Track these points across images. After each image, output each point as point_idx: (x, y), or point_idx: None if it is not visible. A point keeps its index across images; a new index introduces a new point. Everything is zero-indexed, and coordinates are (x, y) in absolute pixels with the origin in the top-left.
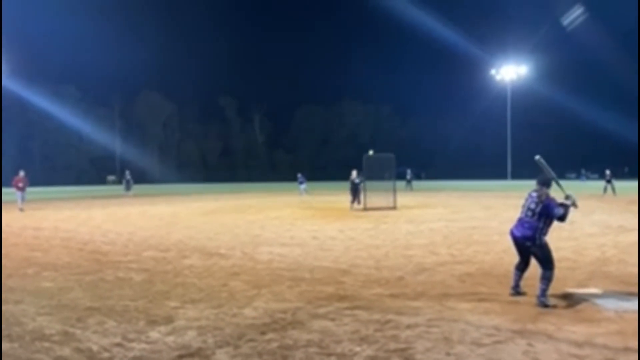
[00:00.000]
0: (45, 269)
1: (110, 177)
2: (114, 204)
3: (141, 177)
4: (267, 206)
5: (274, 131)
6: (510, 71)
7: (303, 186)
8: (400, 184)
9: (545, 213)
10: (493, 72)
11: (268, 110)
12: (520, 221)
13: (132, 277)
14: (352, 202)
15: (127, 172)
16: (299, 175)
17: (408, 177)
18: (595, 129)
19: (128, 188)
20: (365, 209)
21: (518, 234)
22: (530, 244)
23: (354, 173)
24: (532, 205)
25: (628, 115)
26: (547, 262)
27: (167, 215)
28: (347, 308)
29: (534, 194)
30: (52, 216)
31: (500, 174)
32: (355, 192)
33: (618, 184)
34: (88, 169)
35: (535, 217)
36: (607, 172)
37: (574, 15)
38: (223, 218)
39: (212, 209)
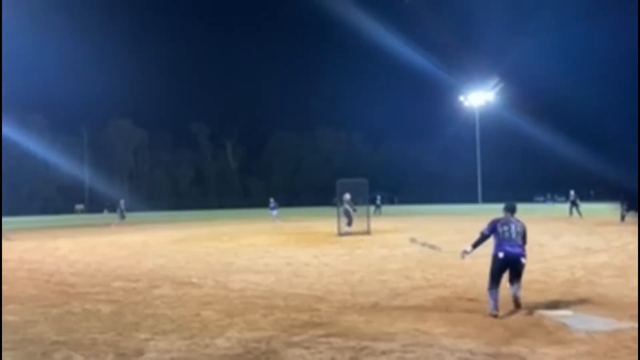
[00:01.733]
0: (9, 302)
1: (79, 206)
2: (82, 233)
3: (112, 206)
4: (240, 233)
5: (247, 157)
6: (478, 97)
7: (275, 212)
8: (384, 209)
9: (525, 235)
10: (462, 98)
11: (241, 137)
12: (510, 242)
13: (100, 309)
14: (348, 225)
15: (122, 202)
16: (271, 200)
17: (377, 202)
18: (560, 154)
19: (123, 217)
20: (340, 234)
21: (516, 251)
22: (524, 260)
23: (348, 196)
24: (519, 229)
25: (590, 143)
26: (521, 276)
27: (138, 244)
28: (322, 335)
29: (514, 221)
30: (17, 247)
31: (471, 198)
32: (349, 215)
33: (585, 206)
34: (55, 198)
35: (521, 239)
36: (572, 192)
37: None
38: (195, 246)
39: (183, 237)
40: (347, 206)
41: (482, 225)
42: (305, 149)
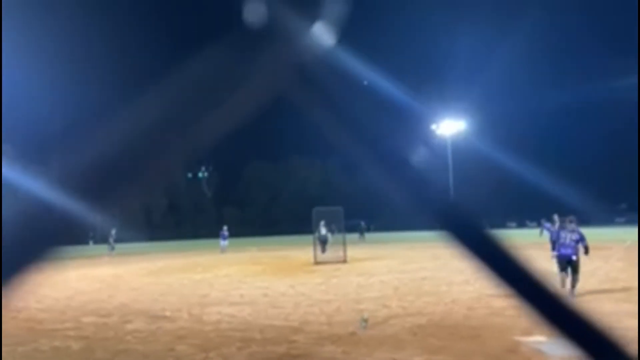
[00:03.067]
0: None
1: None
2: (50, 266)
3: (81, 238)
4: (215, 264)
5: (222, 186)
6: (450, 126)
7: (224, 242)
8: (353, 236)
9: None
10: (434, 126)
11: (216, 166)
12: (564, 245)
13: (70, 346)
14: (322, 252)
15: (113, 232)
16: (224, 228)
17: (362, 227)
18: (531, 181)
19: (112, 248)
20: (316, 262)
21: (568, 252)
22: (574, 257)
23: (322, 223)
24: (574, 237)
25: (560, 170)
26: (578, 270)
27: (109, 277)
28: None
29: (570, 230)
30: None
31: None
32: (324, 242)
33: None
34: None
35: (574, 242)
36: (555, 217)
37: None
38: (169, 278)
39: (157, 269)
40: (322, 232)
41: (458, 251)
42: (280, 178)
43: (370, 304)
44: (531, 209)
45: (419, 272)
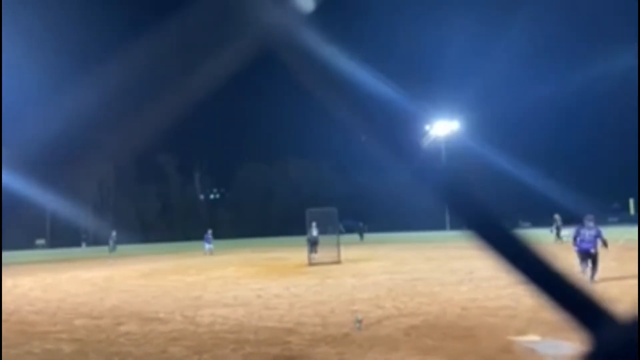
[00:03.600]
0: None
1: (39, 241)
2: (43, 269)
3: (74, 240)
4: (208, 266)
5: (216, 188)
6: (444, 126)
7: (208, 246)
8: (349, 237)
9: (598, 234)
10: (428, 127)
11: (209, 168)
12: (584, 240)
13: (61, 349)
14: (313, 252)
15: (114, 233)
16: (209, 232)
17: (361, 227)
18: (524, 181)
19: (113, 249)
20: (310, 264)
21: (586, 246)
22: (593, 250)
23: (314, 225)
24: (592, 232)
25: (552, 170)
26: (597, 262)
27: (101, 280)
28: None
29: (590, 227)
30: None
31: (438, 225)
32: (314, 244)
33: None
34: (13, 233)
35: (593, 237)
36: (556, 216)
37: None
38: (161, 280)
39: (149, 271)
40: (314, 233)
41: (451, 252)
42: (274, 180)
43: (364, 305)
44: (524, 209)
45: (413, 273)
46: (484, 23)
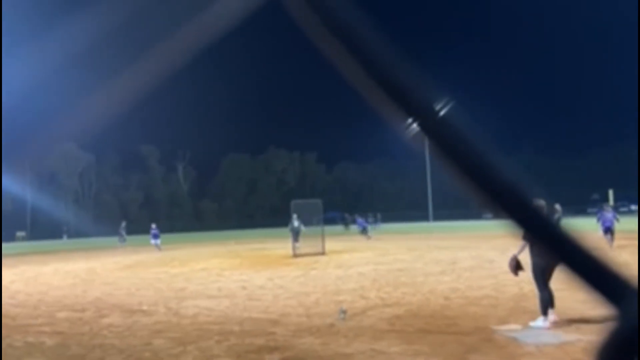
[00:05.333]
0: None
1: (20, 234)
2: (23, 262)
3: (55, 232)
4: (192, 257)
5: (199, 180)
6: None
7: (154, 241)
8: (334, 228)
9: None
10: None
11: (192, 159)
12: (605, 220)
13: (44, 342)
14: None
15: (123, 224)
16: (153, 226)
17: (346, 219)
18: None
19: (124, 240)
20: (295, 255)
21: (607, 224)
22: (612, 225)
23: (295, 216)
24: (609, 215)
25: (533, 159)
26: (614, 232)
27: (83, 272)
28: None
29: (606, 211)
30: None
31: (422, 216)
32: (297, 234)
33: None
34: None
35: (611, 216)
36: (557, 206)
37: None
38: (145, 272)
39: (132, 263)
40: (295, 224)
41: (434, 243)
42: (258, 171)
43: (349, 296)
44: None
45: (396, 264)
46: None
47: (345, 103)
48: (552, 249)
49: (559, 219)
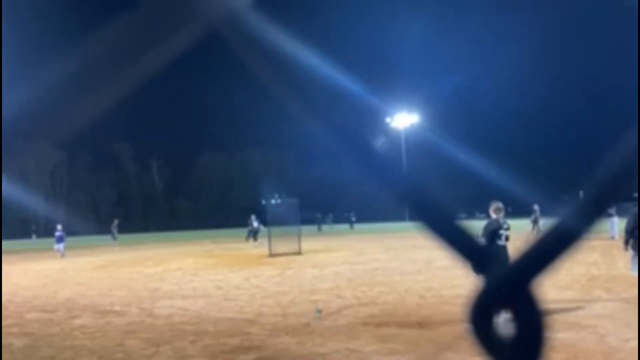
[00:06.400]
0: None
1: None
2: None
3: (22, 232)
4: (167, 257)
5: (174, 178)
6: (404, 119)
7: (58, 245)
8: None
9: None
10: (388, 119)
11: (167, 157)
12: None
13: (12, 343)
14: (254, 240)
15: (116, 222)
16: (59, 228)
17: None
18: (481, 173)
19: (115, 238)
20: (271, 255)
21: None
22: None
23: (253, 217)
24: (612, 211)
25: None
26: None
27: (54, 272)
28: None
29: (609, 214)
30: None
31: (398, 217)
32: (255, 233)
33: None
34: None
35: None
36: (536, 207)
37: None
38: (118, 272)
39: (105, 263)
40: (254, 225)
41: (410, 242)
42: (234, 169)
43: (325, 295)
44: (480, 201)
45: (372, 263)
46: (442, 17)
47: (322, 103)
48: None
49: (536, 219)
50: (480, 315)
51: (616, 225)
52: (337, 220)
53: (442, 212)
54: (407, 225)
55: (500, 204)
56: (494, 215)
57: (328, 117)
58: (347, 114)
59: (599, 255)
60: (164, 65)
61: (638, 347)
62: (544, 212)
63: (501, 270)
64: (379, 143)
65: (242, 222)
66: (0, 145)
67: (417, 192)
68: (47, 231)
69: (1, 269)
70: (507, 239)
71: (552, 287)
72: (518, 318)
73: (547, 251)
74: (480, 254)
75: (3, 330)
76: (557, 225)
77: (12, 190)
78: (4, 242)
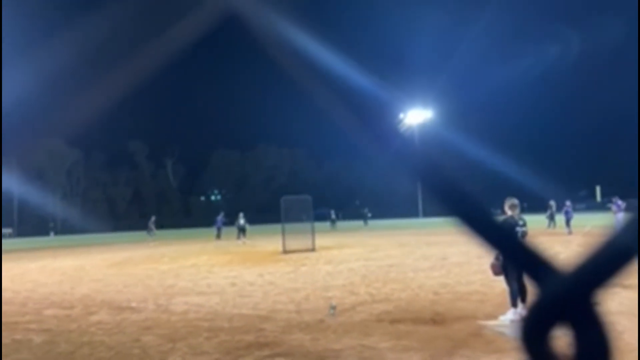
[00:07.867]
0: None
1: (6, 230)
2: (9, 259)
3: (42, 229)
4: (181, 254)
5: (188, 176)
6: (417, 115)
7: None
8: (324, 225)
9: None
10: (401, 115)
11: (181, 155)
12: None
13: (31, 339)
14: (243, 237)
15: (153, 218)
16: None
17: (332, 217)
18: (496, 169)
19: (153, 233)
20: (285, 251)
21: (619, 216)
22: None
23: (241, 215)
24: (622, 206)
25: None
26: None
27: (71, 269)
28: (267, 356)
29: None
30: None
31: (412, 213)
32: (243, 230)
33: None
34: None
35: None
36: (552, 203)
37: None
38: (134, 269)
39: (121, 260)
40: (241, 222)
41: (424, 238)
42: (248, 167)
43: (338, 292)
44: (495, 197)
45: (386, 260)
46: (456, 13)
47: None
48: (491, 240)
49: (552, 215)
50: (537, 331)
51: None
52: (351, 216)
53: (487, 216)
54: (421, 221)
55: (515, 201)
56: (509, 212)
57: (350, 105)
58: (363, 106)
59: None
60: (178, 63)
61: (638, 348)
62: (560, 209)
63: (558, 283)
64: (402, 129)
65: (256, 219)
66: (0, 146)
67: (450, 184)
68: (65, 229)
69: (1, 265)
70: (523, 235)
71: None
72: (580, 334)
73: (605, 264)
74: (536, 263)
75: (22, 326)
76: (614, 239)
77: (30, 189)
78: (22, 240)
